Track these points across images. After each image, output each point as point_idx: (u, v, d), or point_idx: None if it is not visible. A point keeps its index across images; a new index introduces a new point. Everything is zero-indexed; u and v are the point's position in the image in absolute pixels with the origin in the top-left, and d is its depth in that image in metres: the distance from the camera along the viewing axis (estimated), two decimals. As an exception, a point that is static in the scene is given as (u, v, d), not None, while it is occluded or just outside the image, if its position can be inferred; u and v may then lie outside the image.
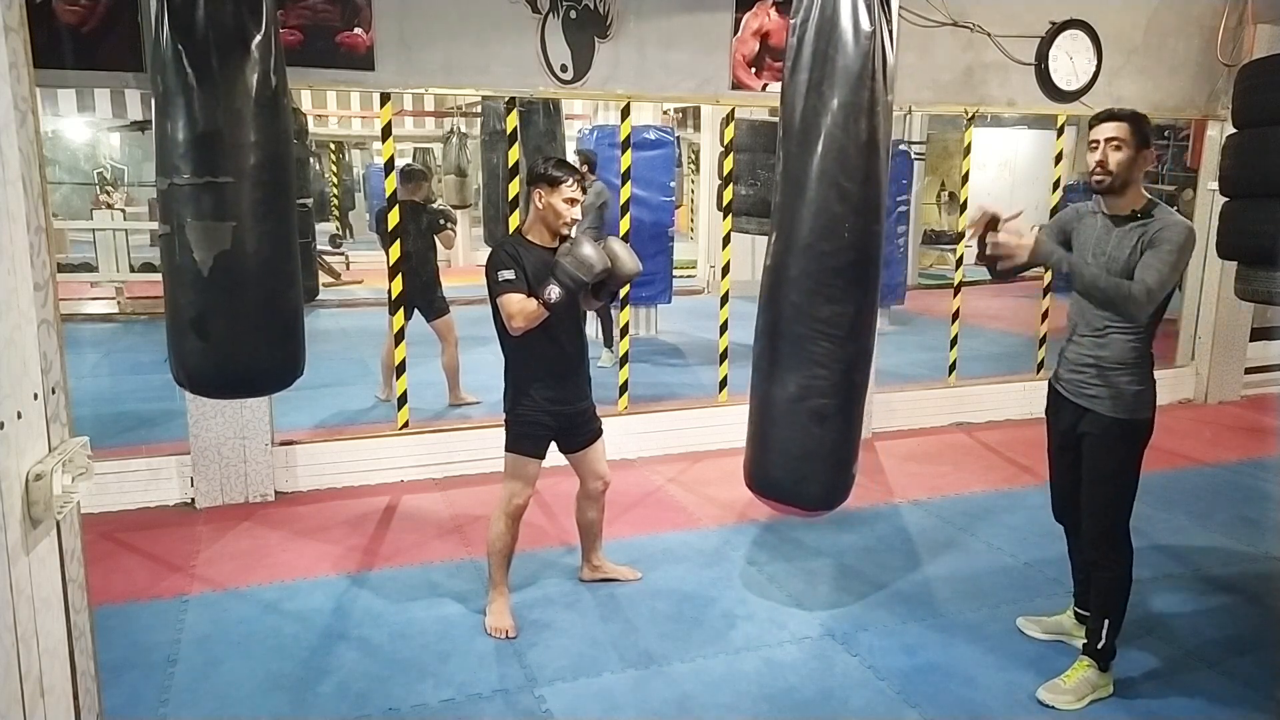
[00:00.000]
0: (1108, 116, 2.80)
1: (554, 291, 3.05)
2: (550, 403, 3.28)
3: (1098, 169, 2.78)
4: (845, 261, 3.04)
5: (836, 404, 3.14)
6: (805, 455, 3.17)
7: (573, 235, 3.21)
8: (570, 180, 3.17)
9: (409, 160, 15.17)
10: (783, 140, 3.14)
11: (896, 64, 3.11)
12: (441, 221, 5.96)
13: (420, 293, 5.74)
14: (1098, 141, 2.79)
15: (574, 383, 3.35)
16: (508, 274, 3.09)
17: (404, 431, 4.94)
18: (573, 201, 3.18)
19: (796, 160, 3.08)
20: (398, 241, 4.90)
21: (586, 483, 3.53)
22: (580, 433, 3.42)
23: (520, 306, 3.06)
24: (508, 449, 3.30)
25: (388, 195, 4.93)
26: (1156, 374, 2.91)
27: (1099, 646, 2.96)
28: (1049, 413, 3.13)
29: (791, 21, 3.12)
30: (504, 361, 3.32)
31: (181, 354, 3.08)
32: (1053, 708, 2.93)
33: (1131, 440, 2.89)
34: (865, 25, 2.97)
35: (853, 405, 3.23)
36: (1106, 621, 2.95)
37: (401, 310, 4.91)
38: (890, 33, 3.11)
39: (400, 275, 4.86)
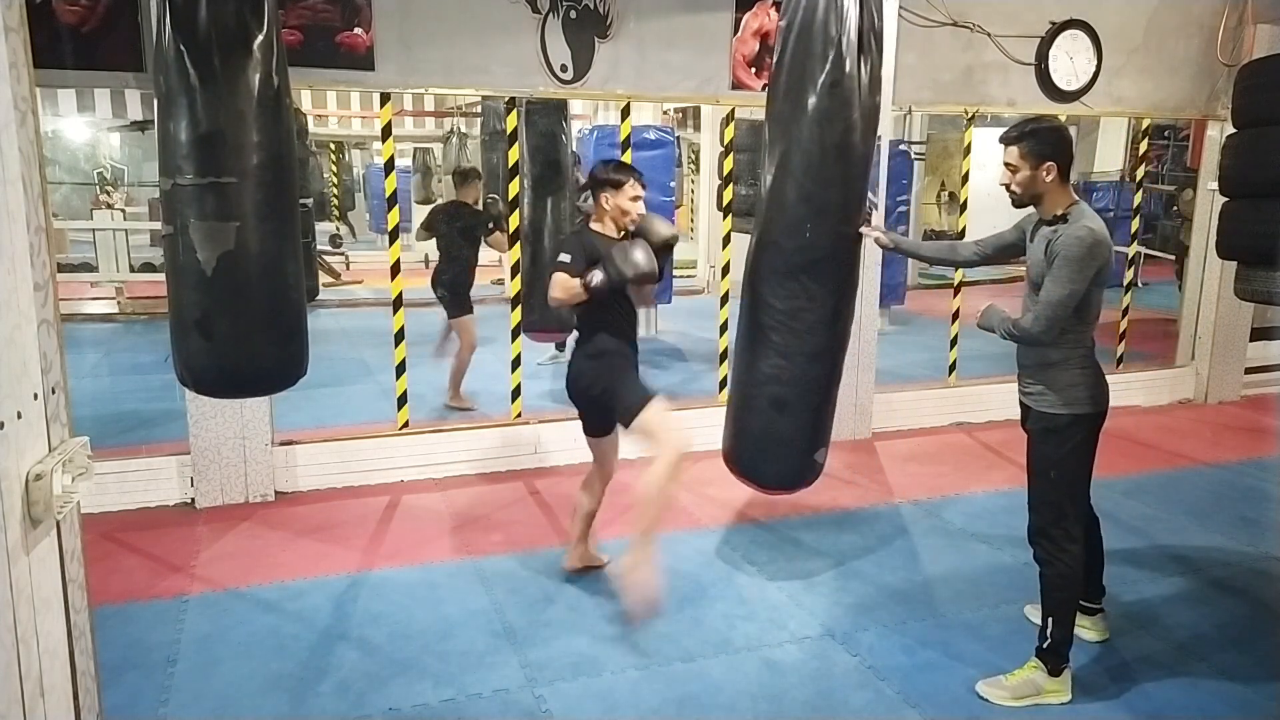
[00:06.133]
0: (1002, 139, 2.90)
1: (597, 277, 3.22)
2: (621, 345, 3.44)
3: (1006, 189, 2.92)
4: (807, 260, 3.26)
5: (796, 393, 3.35)
6: (765, 437, 3.43)
7: (633, 234, 3.42)
8: (631, 180, 3.42)
9: (409, 160, 15.18)
10: (764, 142, 3.35)
11: (882, 65, 3.17)
12: (478, 228, 6.03)
13: (445, 285, 5.97)
14: None
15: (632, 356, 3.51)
16: (566, 257, 3.32)
17: (404, 431, 4.94)
18: (637, 198, 3.42)
19: (767, 162, 3.34)
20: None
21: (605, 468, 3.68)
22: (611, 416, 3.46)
23: (563, 283, 3.26)
24: (627, 412, 3.26)
25: (388, 194, 4.92)
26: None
27: (1044, 646, 2.94)
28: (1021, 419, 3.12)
29: (779, 25, 3.21)
30: (577, 335, 3.49)
31: (185, 354, 3.08)
32: (988, 701, 2.92)
33: (1066, 435, 2.86)
34: (835, 31, 3.10)
35: (814, 396, 3.40)
36: (1050, 620, 2.92)
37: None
38: (878, 35, 3.17)
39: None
